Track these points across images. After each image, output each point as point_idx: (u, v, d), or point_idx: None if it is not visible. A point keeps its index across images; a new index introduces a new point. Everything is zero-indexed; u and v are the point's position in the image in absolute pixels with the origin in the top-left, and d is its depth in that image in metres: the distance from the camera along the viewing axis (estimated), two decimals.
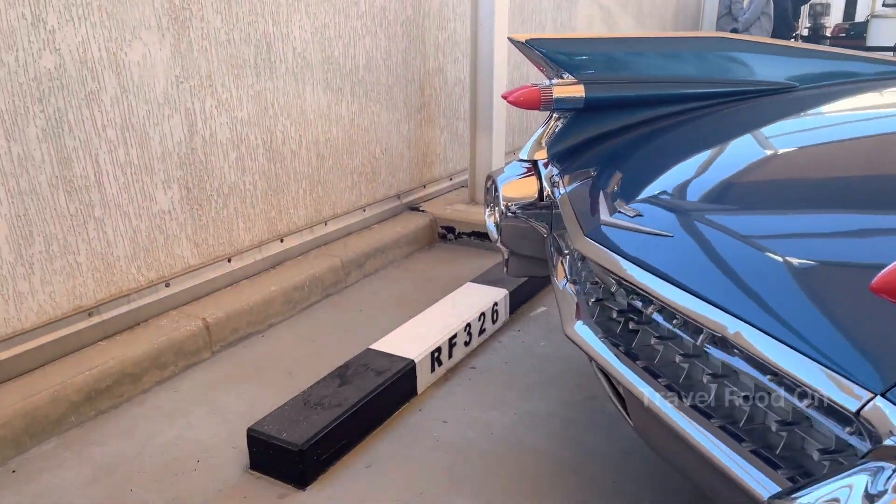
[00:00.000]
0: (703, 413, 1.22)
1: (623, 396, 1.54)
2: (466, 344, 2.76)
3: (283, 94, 3.17)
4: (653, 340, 1.38)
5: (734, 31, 7.95)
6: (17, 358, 2.27)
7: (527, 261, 2.47)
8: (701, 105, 2.32)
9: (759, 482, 1.03)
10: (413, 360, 2.43)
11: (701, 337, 1.22)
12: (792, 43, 2.43)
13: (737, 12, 8.43)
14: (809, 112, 2.05)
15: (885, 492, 0.72)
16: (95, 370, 2.33)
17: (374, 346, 2.55)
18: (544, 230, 2.34)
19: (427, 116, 4.35)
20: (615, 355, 1.43)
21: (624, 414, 1.52)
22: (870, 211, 1.29)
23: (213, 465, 2.10)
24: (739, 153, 1.83)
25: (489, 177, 2.51)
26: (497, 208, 2.52)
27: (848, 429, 0.94)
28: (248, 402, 2.43)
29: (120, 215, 2.54)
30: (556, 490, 1.96)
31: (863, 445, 0.92)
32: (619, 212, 1.53)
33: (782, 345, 0.99)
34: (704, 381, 1.24)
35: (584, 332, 1.57)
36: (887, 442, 0.80)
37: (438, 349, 2.57)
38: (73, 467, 2.08)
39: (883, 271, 0.75)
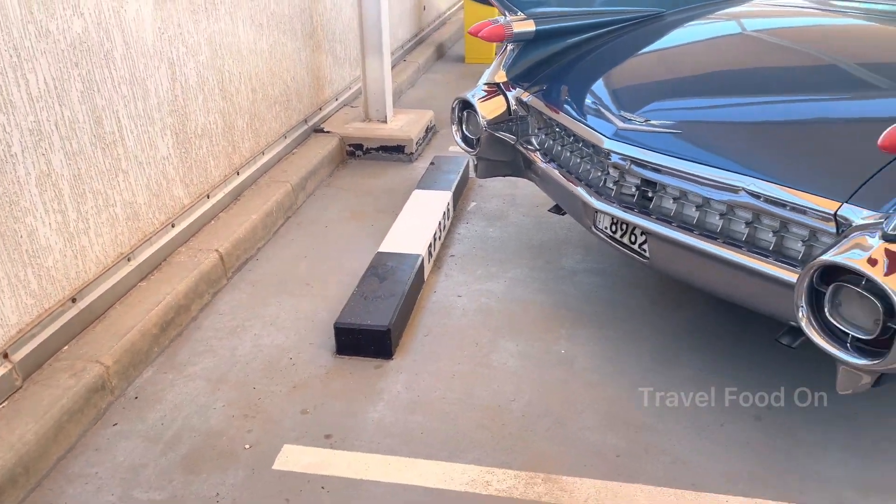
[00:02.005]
0: (713, 237, 2.05)
1: (629, 246, 2.34)
2: (439, 239, 3.40)
3: (226, 34, 3.38)
4: (671, 203, 2.17)
5: None
6: (90, 307, 2.48)
7: (493, 164, 3.14)
8: (623, 27, 3.09)
9: (769, 267, 1.89)
10: (421, 255, 3.03)
11: (713, 191, 2.03)
12: None
13: None
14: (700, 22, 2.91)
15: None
16: (161, 305, 2.62)
17: (382, 249, 3.09)
18: (512, 138, 3.02)
19: (316, 42, 4.65)
20: (643, 214, 2.21)
21: (637, 257, 2.32)
22: (795, 83, 2.18)
23: (304, 359, 2.59)
24: (670, 61, 2.64)
25: (458, 99, 3.09)
26: (467, 125, 3.13)
27: (826, 224, 1.79)
28: (291, 311, 2.88)
29: (137, 165, 2.74)
30: (560, 320, 2.75)
31: (830, 234, 1.79)
32: (629, 119, 2.27)
33: (788, 189, 1.83)
34: (714, 220, 2.07)
35: (607, 205, 2.33)
36: (856, 223, 1.67)
37: (431, 244, 3.19)
38: (186, 384, 2.45)
39: (888, 131, 1.54)
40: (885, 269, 1.57)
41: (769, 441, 2.16)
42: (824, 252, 1.67)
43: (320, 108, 4.80)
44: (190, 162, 3.14)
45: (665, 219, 2.19)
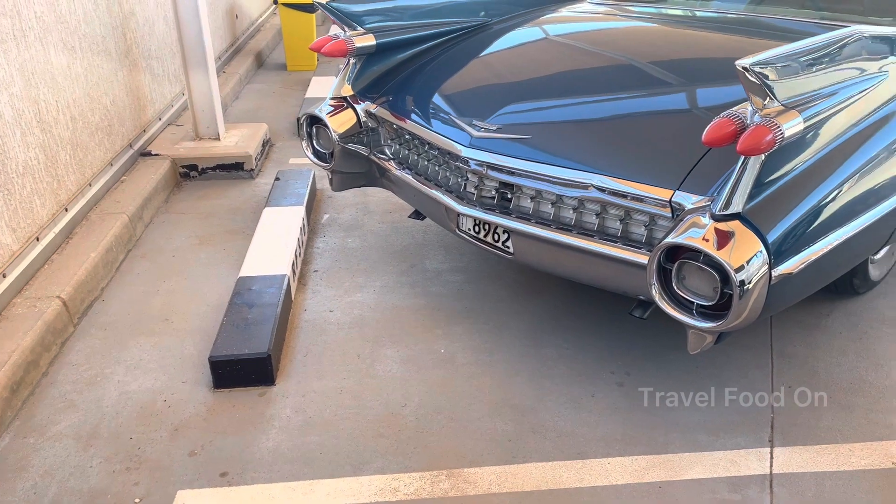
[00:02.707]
0: (568, 229, 2.27)
1: (494, 244, 2.51)
2: (299, 255, 3.38)
3: (38, 62, 3.10)
4: (529, 202, 2.36)
5: None
6: None
7: (349, 176, 3.19)
8: (455, 36, 3.25)
9: (619, 251, 2.14)
10: (286, 274, 3.01)
11: (565, 189, 2.24)
12: None
13: None
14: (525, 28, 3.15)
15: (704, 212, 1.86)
16: (7, 365, 2.38)
17: (244, 274, 3.02)
18: (365, 150, 3.08)
19: (133, 61, 4.38)
20: (504, 214, 2.39)
21: (502, 254, 2.49)
22: (624, 85, 2.46)
23: (180, 399, 2.48)
24: (510, 68, 2.85)
25: (306, 115, 3.10)
26: (318, 140, 3.15)
27: (663, 210, 2.06)
28: (154, 351, 2.74)
29: None
30: (435, 320, 2.87)
31: (667, 218, 2.06)
32: (481, 128, 2.43)
33: (628, 182, 2.08)
34: (568, 214, 2.28)
35: (469, 209, 2.48)
36: (688, 207, 1.95)
37: (294, 262, 3.16)
38: (53, 446, 2.25)
39: (708, 128, 1.81)
40: (716, 245, 1.85)
41: (633, 403, 2.43)
42: (666, 235, 1.93)
43: (144, 130, 4.52)
44: (14, 204, 2.85)
45: (524, 216, 2.38)
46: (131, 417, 2.38)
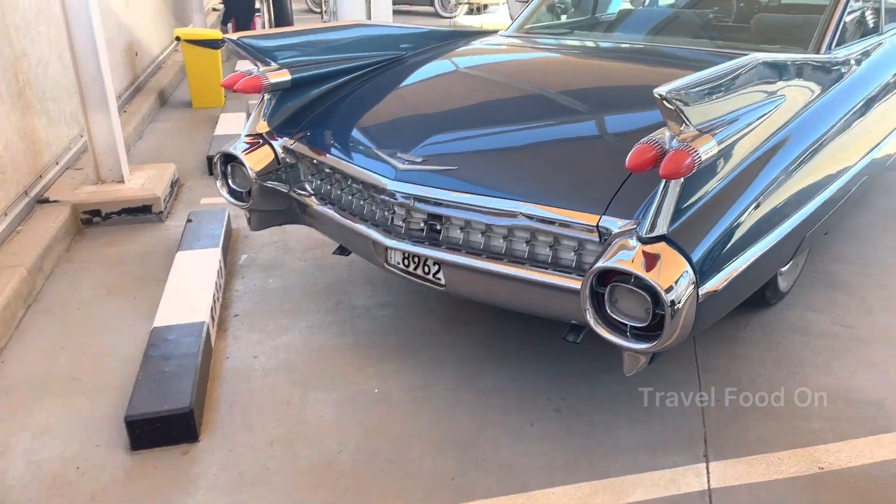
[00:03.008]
0: (499, 258, 2.27)
1: (424, 277, 2.48)
2: (217, 300, 3.22)
3: None
4: (458, 233, 2.34)
5: None
6: None
7: (268, 215, 3.09)
8: (371, 70, 3.24)
9: (550, 278, 2.15)
10: (205, 321, 2.86)
11: (494, 218, 2.24)
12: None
13: None
14: (436, 61, 3.18)
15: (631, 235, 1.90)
16: None
17: (159, 324, 2.84)
18: (284, 187, 3.00)
19: (26, 103, 4.13)
20: (434, 246, 2.36)
21: (434, 286, 2.46)
22: (545, 115, 2.49)
23: (95, 464, 2.28)
24: (430, 100, 2.85)
25: (220, 153, 2.99)
26: (233, 178, 3.04)
27: (591, 235, 2.09)
28: (63, 414, 2.52)
29: None
30: (366, 359, 2.79)
31: (595, 243, 2.09)
32: (406, 160, 2.40)
33: (556, 209, 2.09)
34: (498, 243, 2.28)
35: (398, 242, 2.44)
36: (615, 231, 1.98)
37: (212, 307, 3.01)
38: None
39: (630, 154, 1.85)
40: (645, 267, 1.88)
41: (571, 428, 2.43)
42: (597, 260, 1.95)
43: (41, 176, 4.25)
44: None
45: (455, 247, 2.36)
46: (42, 489, 2.17)
